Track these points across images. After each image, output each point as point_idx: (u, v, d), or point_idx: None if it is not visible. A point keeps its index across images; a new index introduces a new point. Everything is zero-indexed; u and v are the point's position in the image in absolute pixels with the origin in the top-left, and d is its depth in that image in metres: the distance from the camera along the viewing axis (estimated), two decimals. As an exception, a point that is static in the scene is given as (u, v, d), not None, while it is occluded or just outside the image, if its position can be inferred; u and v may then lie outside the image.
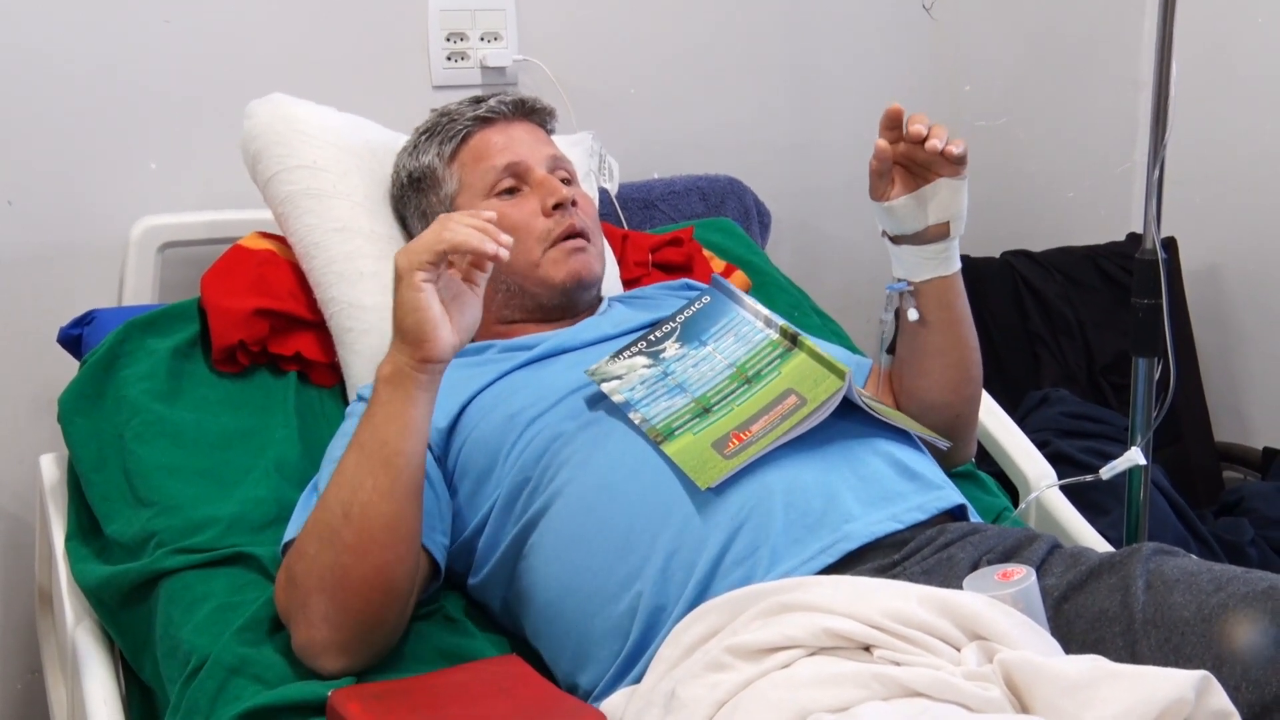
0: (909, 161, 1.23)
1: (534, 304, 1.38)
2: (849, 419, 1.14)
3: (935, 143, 1.18)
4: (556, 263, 1.35)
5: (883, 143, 1.23)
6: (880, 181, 1.25)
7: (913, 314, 1.28)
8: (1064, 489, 1.57)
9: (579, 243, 1.37)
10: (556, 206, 1.36)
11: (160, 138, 1.69)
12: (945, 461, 1.31)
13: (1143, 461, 1.46)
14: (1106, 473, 1.47)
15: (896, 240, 1.28)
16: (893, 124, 1.22)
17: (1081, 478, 1.49)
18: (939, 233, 1.25)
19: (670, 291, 1.49)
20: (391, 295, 1.11)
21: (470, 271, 1.13)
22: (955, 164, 1.20)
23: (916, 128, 1.20)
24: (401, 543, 1.09)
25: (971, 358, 1.34)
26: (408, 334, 1.09)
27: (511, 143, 1.40)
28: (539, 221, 1.36)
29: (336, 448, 1.26)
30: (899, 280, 1.29)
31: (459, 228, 1.08)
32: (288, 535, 1.19)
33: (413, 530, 1.10)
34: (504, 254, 1.08)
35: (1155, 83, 1.45)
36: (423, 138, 1.44)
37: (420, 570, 1.16)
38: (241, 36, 1.72)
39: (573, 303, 1.38)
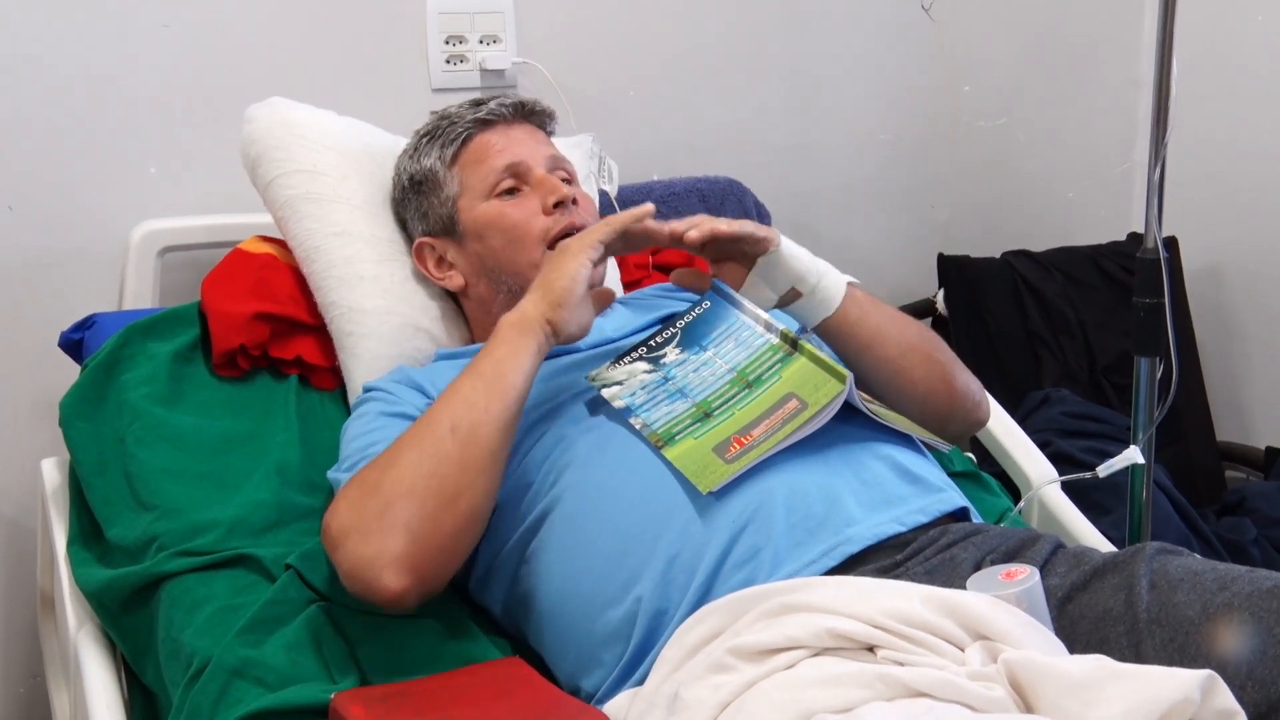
0: (718, 256, 1.26)
1: None
2: (850, 423, 1.13)
3: (691, 234, 1.21)
4: None
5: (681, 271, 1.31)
6: (692, 280, 1.29)
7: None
8: (1066, 489, 1.56)
9: None
10: (557, 205, 1.36)
11: (160, 142, 1.69)
12: (964, 425, 1.33)
13: (1141, 460, 1.46)
14: (1104, 470, 1.46)
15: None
16: (672, 241, 1.23)
17: (1080, 475, 1.48)
18: (794, 296, 1.26)
19: (669, 293, 1.49)
20: (542, 268, 1.21)
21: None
22: (737, 241, 1.22)
23: (677, 231, 1.22)
24: (496, 469, 1.11)
25: (911, 349, 1.30)
26: (554, 294, 1.15)
27: (511, 144, 1.40)
28: (539, 220, 1.36)
29: (357, 435, 1.25)
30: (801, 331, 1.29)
31: (628, 214, 1.18)
32: (337, 470, 1.21)
33: (502, 466, 1.13)
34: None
35: (1156, 81, 1.45)
36: (423, 141, 1.44)
37: None
38: (240, 41, 1.72)
39: None
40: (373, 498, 1.08)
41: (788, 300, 1.27)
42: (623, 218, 1.21)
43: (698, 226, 1.20)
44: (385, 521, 1.06)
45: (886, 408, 1.21)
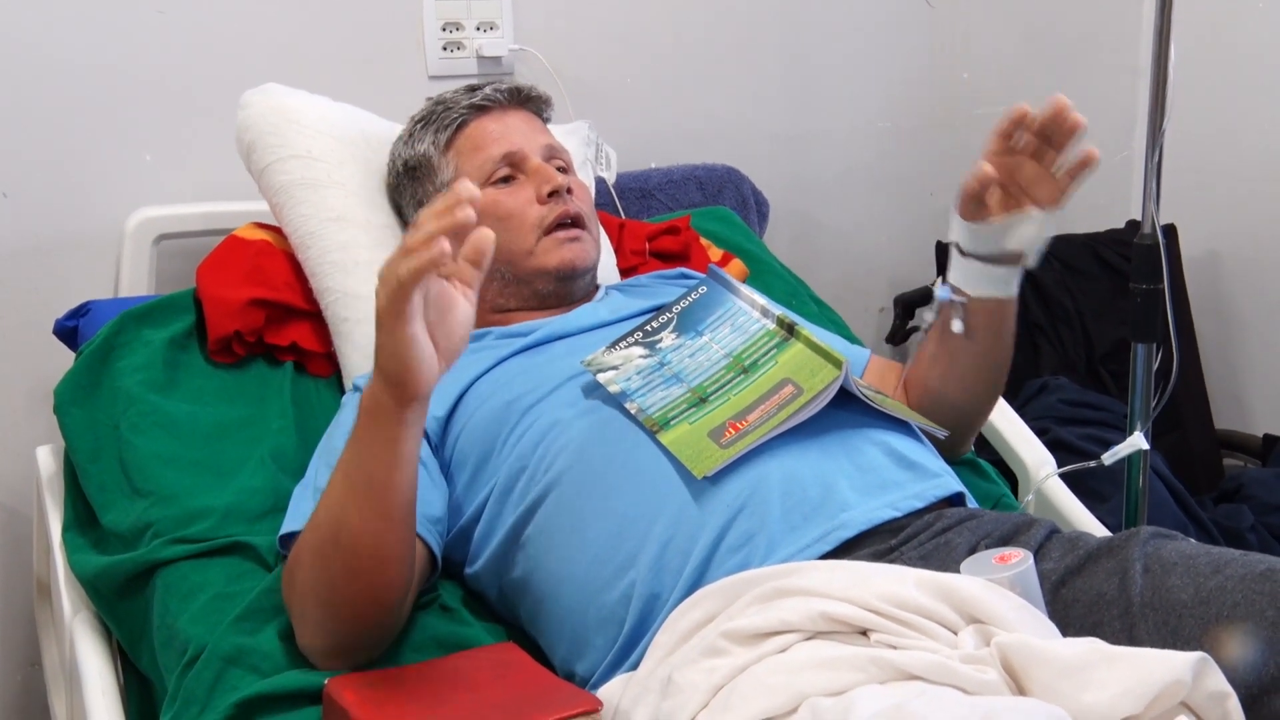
0: (1009, 182, 1.17)
1: (529, 291, 1.38)
2: (846, 409, 1.13)
3: (1076, 118, 1.13)
4: (549, 251, 1.35)
5: (988, 166, 1.16)
6: (972, 201, 1.19)
7: (957, 325, 1.23)
8: (1063, 476, 1.56)
9: (573, 232, 1.37)
10: (551, 194, 1.36)
11: (155, 129, 1.69)
12: (942, 452, 1.30)
13: (1145, 446, 1.45)
14: (1109, 458, 1.46)
15: (964, 254, 1.23)
16: (1010, 130, 1.14)
17: (1085, 464, 1.48)
18: (1011, 259, 1.21)
19: (666, 280, 1.49)
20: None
21: (466, 270, 0.99)
22: (1057, 195, 1.15)
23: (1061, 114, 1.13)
24: (390, 567, 1.06)
25: (1002, 377, 1.31)
26: (387, 377, 0.98)
27: (508, 131, 1.40)
28: (533, 209, 1.36)
29: (333, 439, 1.26)
30: (950, 287, 1.24)
31: (409, 261, 0.92)
32: (285, 528, 1.19)
33: (403, 555, 1.07)
34: (470, 214, 0.94)
35: (1154, 60, 1.45)
36: (418, 126, 1.44)
37: (418, 561, 1.16)
38: (236, 27, 1.71)
39: (568, 290, 1.38)
40: (291, 595, 1.09)
41: (1000, 260, 1.20)
42: (414, 265, 0.93)
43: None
44: (304, 622, 1.08)
45: (882, 393, 1.21)
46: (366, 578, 1.05)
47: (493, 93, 1.42)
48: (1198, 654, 0.81)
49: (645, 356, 1.22)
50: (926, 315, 1.28)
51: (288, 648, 1.10)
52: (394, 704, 0.96)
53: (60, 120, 1.64)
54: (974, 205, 1.20)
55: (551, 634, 1.13)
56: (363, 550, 1.04)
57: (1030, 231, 1.18)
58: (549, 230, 1.36)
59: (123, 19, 1.65)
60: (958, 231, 1.23)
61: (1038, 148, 1.16)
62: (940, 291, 1.25)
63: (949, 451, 1.35)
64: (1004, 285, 1.23)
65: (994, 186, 1.18)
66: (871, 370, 1.40)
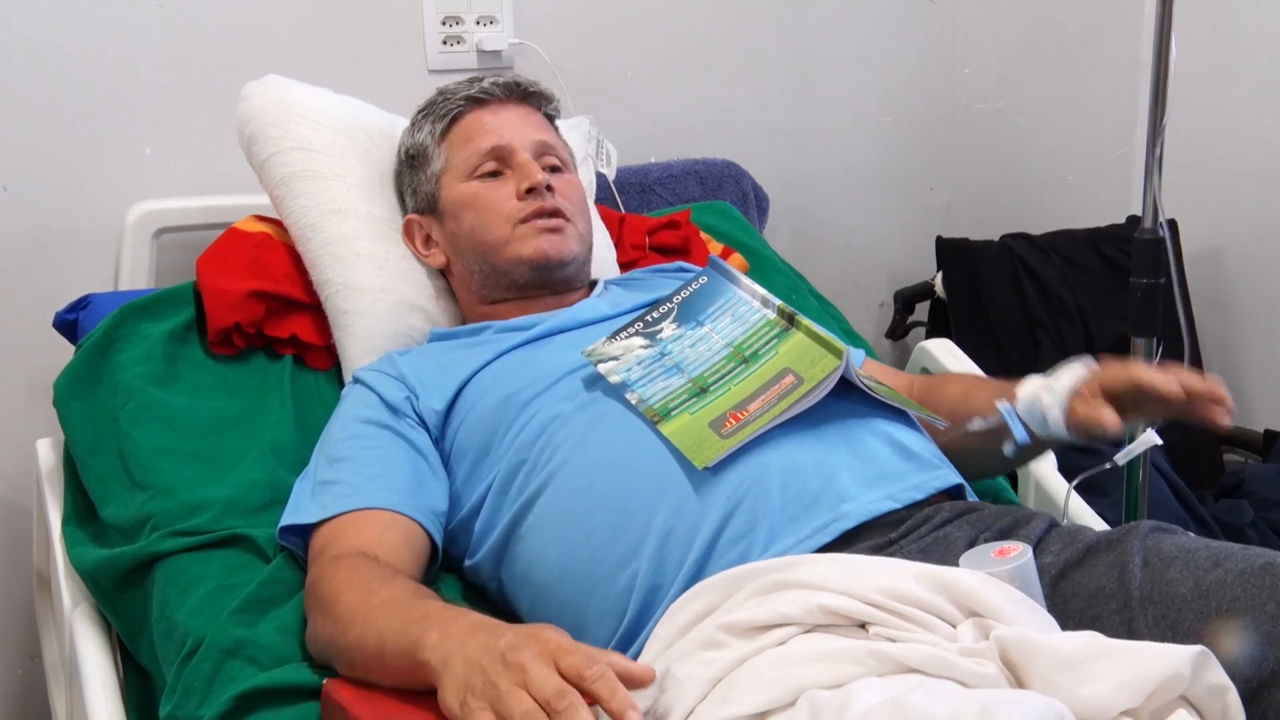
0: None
1: (509, 282, 1.38)
2: (847, 399, 1.13)
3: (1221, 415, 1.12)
4: (524, 239, 1.35)
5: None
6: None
7: (1009, 449, 1.16)
8: (1062, 471, 1.56)
9: (553, 221, 1.36)
10: (529, 191, 1.35)
11: (155, 122, 1.69)
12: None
13: (1157, 441, 1.42)
14: (1123, 458, 1.43)
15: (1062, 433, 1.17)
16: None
17: (1100, 467, 1.44)
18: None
19: (665, 274, 1.49)
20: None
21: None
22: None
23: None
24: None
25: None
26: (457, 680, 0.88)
27: (501, 125, 1.40)
28: (510, 204, 1.36)
29: (333, 432, 1.26)
30: (1024, 426, 1.16)
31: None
32: (285, 520, 1.19)
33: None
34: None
35: (1155, 53, 1.44)
36: (420, 115, 1.45)
37: (419, 553, 1.16)
38: (236, 19, 1.71)
39: (546, 281, 1.38)
40: (315, 633, 1.08)
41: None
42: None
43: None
44: (317, 647, 1.08)
45: (883, 383, 1.21)
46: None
47: (491, 85, 1.42)
48: (1197, 647, 0.81)
49: (646, 347, 1.22)
50: (977, 424, 1.19)
51: (286, 640, 1.11)
52: (392, 702, 0.96)
53: (60, 114, 1.64)
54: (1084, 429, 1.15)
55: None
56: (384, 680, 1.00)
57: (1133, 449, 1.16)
58: (524, 221, 1.36)
59: (123, 12, 1.65)
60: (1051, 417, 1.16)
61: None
62: (1008, 418, 1.16)
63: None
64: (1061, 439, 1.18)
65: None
66: (866, 371, 1.39)
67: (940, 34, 2.26)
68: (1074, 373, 1.16)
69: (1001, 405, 1.16)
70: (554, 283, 1.38)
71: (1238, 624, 0.90)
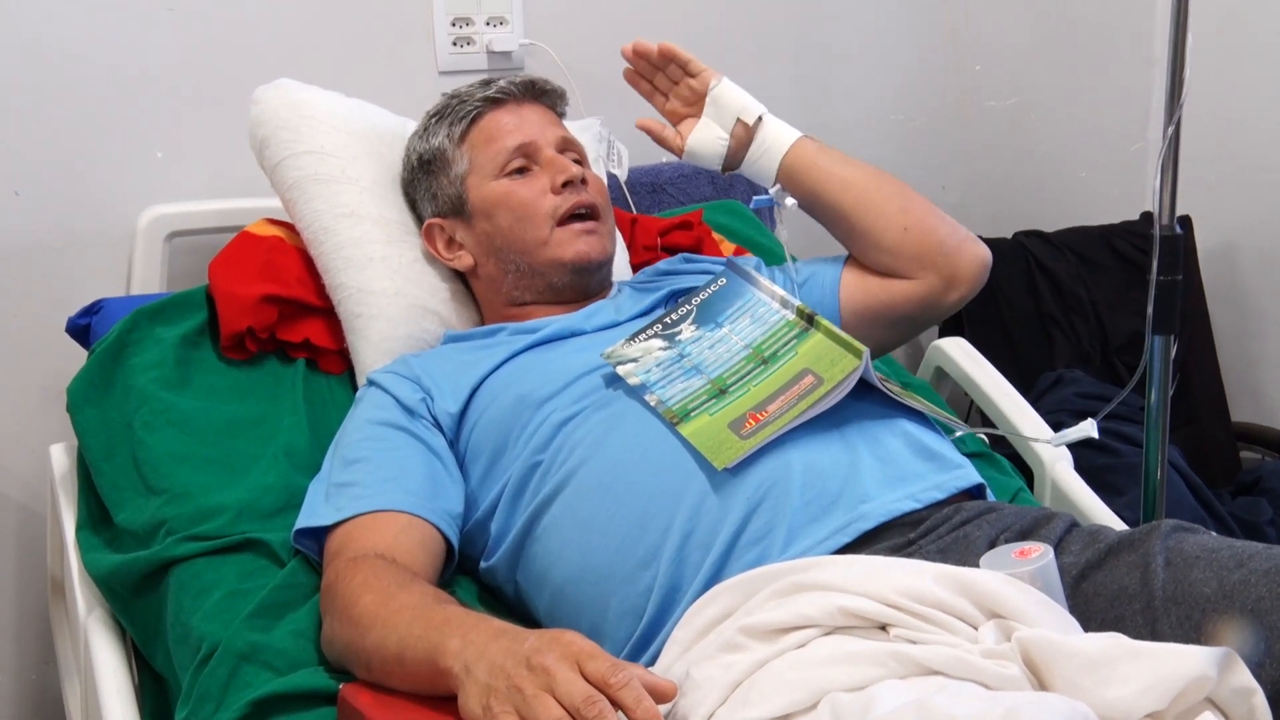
0: (666, 99, 1.40)
1: (544, 284, 1.37)
2: (866, 399, 1.13)
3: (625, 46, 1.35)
4: (564, 243, 1.35)
5: (643, 120, 1.41)
6: (665, 136, 1.41)
7: (790, 202, 1.34)
8: (1079, 470, 1.55)
9: (589, 224, 1.36)
10: (566, 184, 1.35)
11: (167, 126, 1.69)
12: (954, 270, 1.37)
13: (1095, 434, 1.39)
14: (1057, 441, 1.39)
15: (725, 170, 1.39)
16: (640, 59, 1.39)
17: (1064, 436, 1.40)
18: (745, 135, 1.36)
19: (672, 267, 1.48)
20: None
21: None
22: (671, 61, 1.38)
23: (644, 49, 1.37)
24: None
25: (872, 189, 1.38)
26: (479, 685, 0.88)
27: (522, 123, 1.40)
28: (547, 200, 1.36)
29: (347, 435, 1.25)
30: (759, 196, 1.37)
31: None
32: (300, 524, 1.19)
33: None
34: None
35: (1171, 48, 1.43)
36: (433, 120, 1.44)
37: (436, 555, 1.16)
38: (246, 23, 1.71)
39: (583, 283, 1.38)
40: (332, 635, 1.07)
41: (739, 145, 1.37)
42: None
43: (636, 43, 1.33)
44: (333, 650, 1.08)
45: (900, 385, 1.20)
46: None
47: (507, 85, 1.42)
48: (1222, 649, 0.80)
49: (665, 349, 1.22)
50: (779, 228, 1.38)
51: (302, 644, 1.10)
52: (411, 707, 0.96)
53: (72, 118, 1.64)
54: (668, 137, 1.42)
55: (569, 628, 1.13)
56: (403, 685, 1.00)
57: (708, 129, 1.39)
58: (563, 221, 1.35)
59: (133, 16, 1.65)
60: (700, 165, 1.42)
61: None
62: (754, 203, 1.38)
63: (944, 293, 1.39)
64: (769, 152, 1.38)
65: (667, 112, 1.44)
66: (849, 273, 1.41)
67: (952, 31, 2.25)
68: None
69: (752, 204, 1.40)
70: (588, 285, 1.39)
71: (1263, 624, 0.89)
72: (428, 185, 1.44)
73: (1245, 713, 0.81)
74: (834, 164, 1.38)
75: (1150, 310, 1.45)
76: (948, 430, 1.22)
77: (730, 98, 1.39)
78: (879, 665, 0.83)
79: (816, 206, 1.39)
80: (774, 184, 1.38)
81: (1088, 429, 1.34)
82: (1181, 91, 1.42)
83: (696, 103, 1.41)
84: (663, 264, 1.50)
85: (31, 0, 1.59)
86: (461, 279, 1.46)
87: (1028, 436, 1.54)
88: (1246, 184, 2.26)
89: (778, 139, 1.39)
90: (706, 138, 1.38)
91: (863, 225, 1.37)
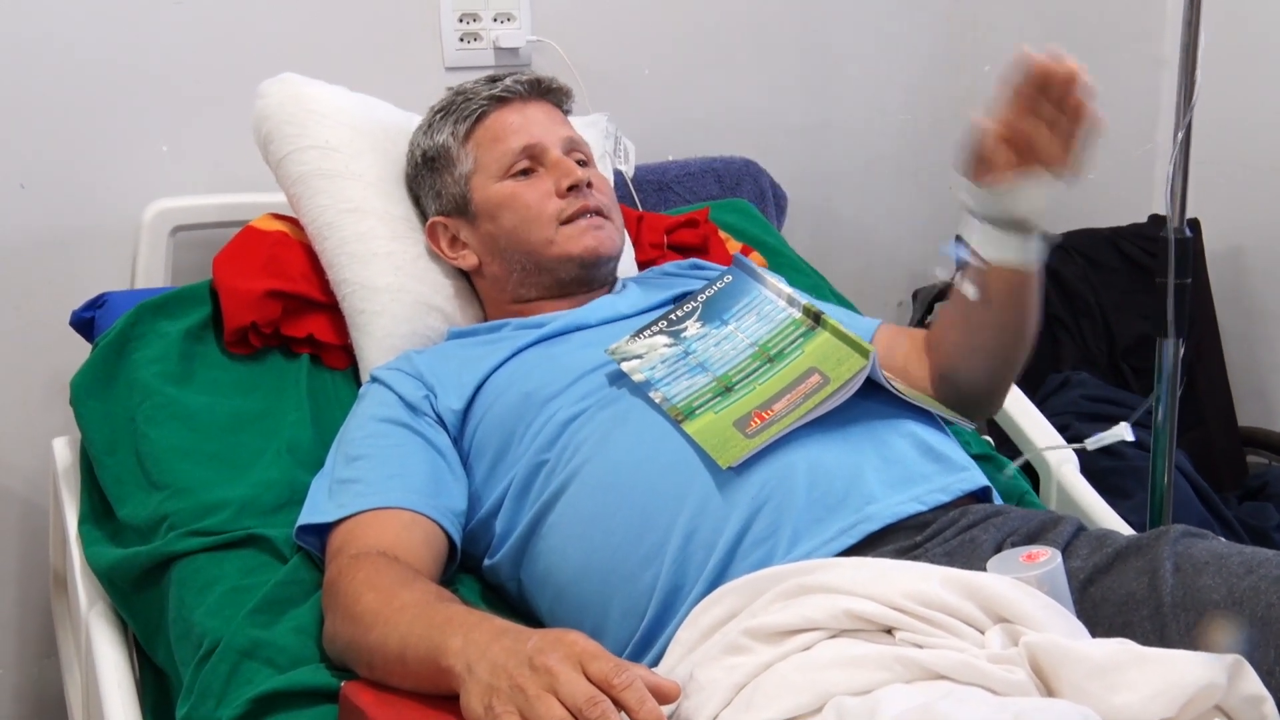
0: (1016, 140, 1.12)
1: (551, 280, 1.37)
2: (873, 399, 1.12)
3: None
4: (572, 238, 1.35)
5: (989, 121, 1.11)
6: (978, 160, 1.15)
7: (969, 290, 1.17)
8: (1085, 474, 1.55)
9: (596, 220, 1.36)
10: (571, 188, 1.35)
11: (171, 120, 1.69)
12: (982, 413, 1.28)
13: (1130, 437, 1.40)
14: (1093, 444, 1.40)
15: (975, 216, 1.18)
16: (1034, 81, 1.08)
17: (1079, 445, 1.42)
18: (1023, 225, 1.16)
19: (681, 271, 1.48)
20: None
21: None
22: (1064, 156, 1.10)
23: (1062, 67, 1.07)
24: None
25: (1020, 354, 1.26)
26: (481, 684, 0.87)
27: (528, 123, 1.39)
28: (552, 203, 1.35)
29: (350, 431, 1.25)
30: (966, 247, 1.17)
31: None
32: (302, 520, 1.18)
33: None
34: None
35: (1183, 50, 1.42)
36: (437, 117, 1.44)
37: (439, 553, 1.16)
38: (252, 17, 1.71)
39: (590, 278, 1.37)
40: (334, 631, 1.07)
41: (1013, 226, 1.15)
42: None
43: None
44: (335, 647, 1.07)
45: (909, 386, 1.20)
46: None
47: (513, 84, 1.41)
48: (1232, 656, 0.79)
49: (670, 345, 1.21)
50: (939, 273, 1.22)
51: (303, 641, 1.10)
52: (412, 706, 0.95)
53: (76, 112, 1.64)
54: (980, 165, 1.15)
55: (571, 627, 1.12)
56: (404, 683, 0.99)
57: (1036, 195, 1.13)
58: (569, 220, 1.35)
59: (139, 10, 1.65)
60: (966, 193, 1.18)
61: (1041, 104, 1.11)
62: (950, 250, 1.19)
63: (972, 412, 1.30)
64: (1019, 252, 1.17)
65: (1002, 146, 1.13)
66: (882, 337, 1.37)
67: (960, 30, 2.24)
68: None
69: (948, 246, 1.18)
70: (596, 279, 1.38)
71: (1273, 631, 0.88)
72: (432, 182, 1.43)
73: (1255, 721, 0.81)
74: (1030, 309, 1.24)
75: (1170, 313, 1.43)
76: (979, 445, 1.19)
77: (1042, 196, 1.16)
78: (884, 669, 0.82)
79: (981, 315, 1.22)
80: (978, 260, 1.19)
81: (1122, 432, 1.35)
82: (1193, 94, 1.41)
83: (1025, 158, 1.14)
84: (669, 265, 1.50)
85: (37, -6, 1.59)
86: (465, 276, 1.46)
87: (1063, 446, 1.52)
88: (1256, 187, 2.25)
89: (1032, 250, 1.20)
90: (999, 199, 1.15)
91: (989, 367, 1.26)
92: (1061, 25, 2.30)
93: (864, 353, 1.11)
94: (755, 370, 1.15)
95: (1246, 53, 2.21)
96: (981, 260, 1.18)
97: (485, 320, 1.45)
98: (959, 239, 1.20)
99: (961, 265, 1.19)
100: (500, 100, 1.41)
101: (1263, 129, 2.23)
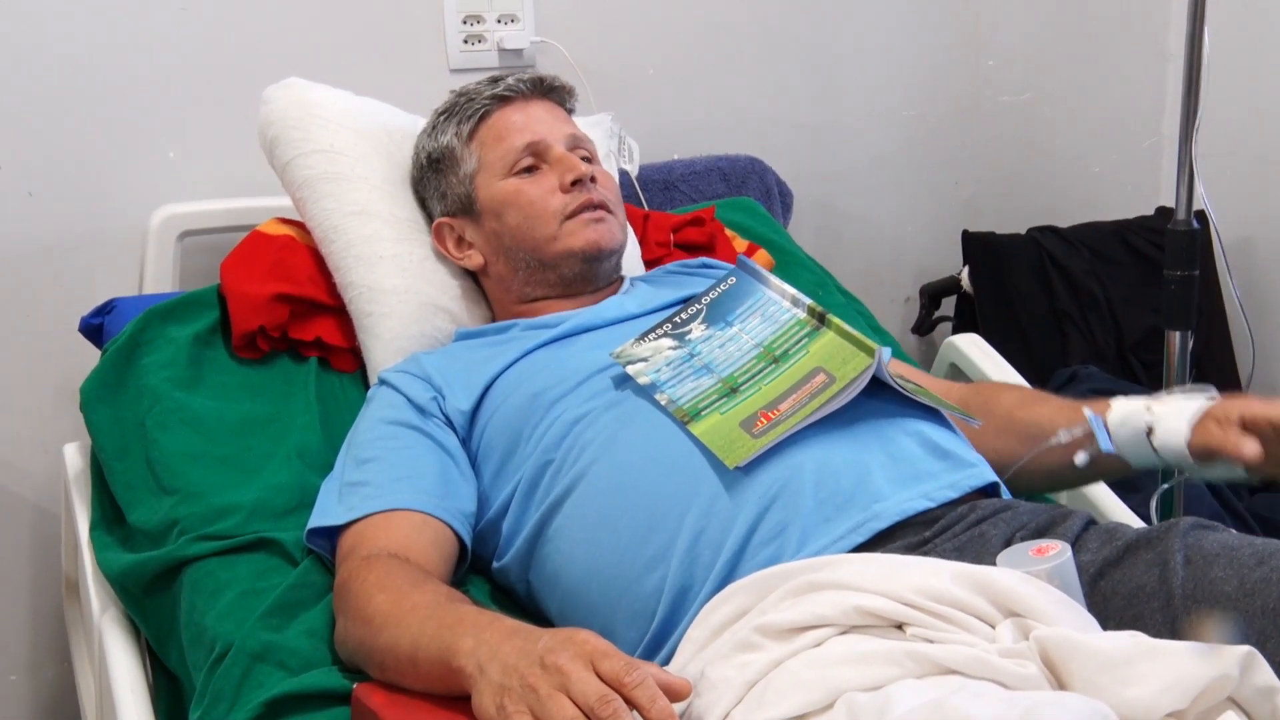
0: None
1: (555, 277, 1.37)
2: (879, 397, 1.12)
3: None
4: (574, 232, 1.35)
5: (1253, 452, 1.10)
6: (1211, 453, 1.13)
7: (1081, 458, 1.17)
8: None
9: (598, 213, 1.36)
10: (575, 183, 1.35)
11: (178, 126, 1.69)
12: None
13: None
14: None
15: (1150, 440, 1.16)
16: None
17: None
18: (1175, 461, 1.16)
19: (690, 270, 1.48)
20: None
21: None
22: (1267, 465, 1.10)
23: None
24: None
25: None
26: (492, 683, 0.87)
27: (531, 121, 1.39)
28: (556, 198, 1.35)
29: (359, 434, 1.25)
30: (1103, 428, 1.17)
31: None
32: (312, 523, 1.18)
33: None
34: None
35: (1188, 42, 1.42)
36: (441, 118, 1.44)
37: (449, 554, 1.16)
38: (257, 22, 1.71)
39: (594, 273, 1.37)
40: (345, 632, 1.06)
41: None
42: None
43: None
44: (347, 649, 1.07)
45: (916, 382, 1.20)
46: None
47: (515, 83, 1.42)
48: (1244, 648, 0.79)
49: (675, 348, 1.21)
50: (1063, 436, 1.20)
51: (315, 644, 1.10)
52: (425, 707, 0.95)
53: (83, 118, 1.64)
54: (1208, 453, 1.13)
55: (580, 628, 1.12)
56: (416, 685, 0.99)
57: (1222, 471, 1.14)
58: (572, 215, 1.35)
59: (145, 16, 1.65)
60: (1167, 435, 1.15)
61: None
62: (1098, 432, 1.16)
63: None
64: (1147, 462, 1.19)
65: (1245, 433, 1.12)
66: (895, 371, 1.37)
67: (964, 26, 2.24)
68: (1200, 397, 1.16)
69: (1091, 415, 1.17)
70: (600, 275, 1.38)
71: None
72: (436, 184, 1.43)
73: (1268, 712, 0.80)
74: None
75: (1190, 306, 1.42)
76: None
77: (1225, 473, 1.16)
78: (895, 665, 0.82)
79: (1064, 471, 1.22)
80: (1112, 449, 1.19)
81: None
82: (1199, 87, 1.41)
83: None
84: (678, 264, 1.50)
85: (44, 1, 1.60)
86: (472, 276, 1.46)
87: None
88: (1264, 179, 2.24)
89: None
90: (1214, 471, 1.16)
91: (1031, 485, 1.27)
92: (1066, 20, 2.30)
93: (869, 351, 1.10)
94: (761, 371, 1.15)
95: (1254, 43, 2.20)
96: (1117, 457, 1.18)
97: (492, 321, 1.45)
98: (1104, 423, 1.18)
99: (1086, 437, 1.18)
100: (503, 99, 1.41)
101: (1271, 119, 2.22)
